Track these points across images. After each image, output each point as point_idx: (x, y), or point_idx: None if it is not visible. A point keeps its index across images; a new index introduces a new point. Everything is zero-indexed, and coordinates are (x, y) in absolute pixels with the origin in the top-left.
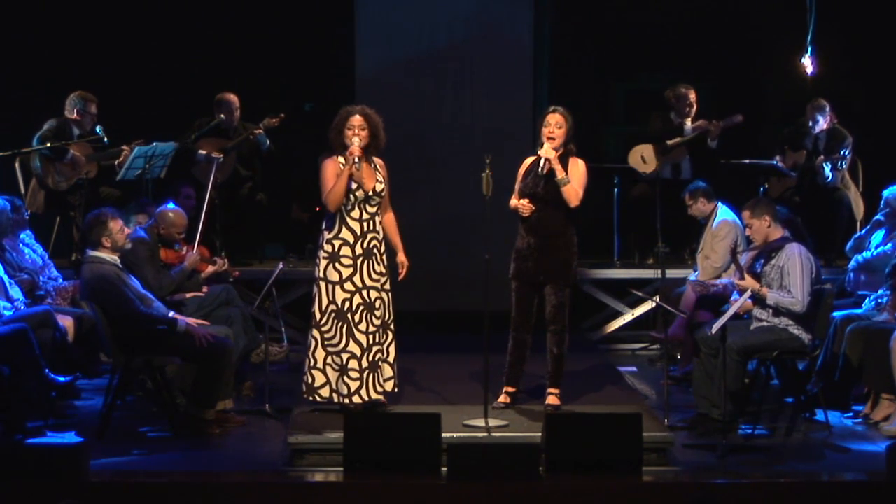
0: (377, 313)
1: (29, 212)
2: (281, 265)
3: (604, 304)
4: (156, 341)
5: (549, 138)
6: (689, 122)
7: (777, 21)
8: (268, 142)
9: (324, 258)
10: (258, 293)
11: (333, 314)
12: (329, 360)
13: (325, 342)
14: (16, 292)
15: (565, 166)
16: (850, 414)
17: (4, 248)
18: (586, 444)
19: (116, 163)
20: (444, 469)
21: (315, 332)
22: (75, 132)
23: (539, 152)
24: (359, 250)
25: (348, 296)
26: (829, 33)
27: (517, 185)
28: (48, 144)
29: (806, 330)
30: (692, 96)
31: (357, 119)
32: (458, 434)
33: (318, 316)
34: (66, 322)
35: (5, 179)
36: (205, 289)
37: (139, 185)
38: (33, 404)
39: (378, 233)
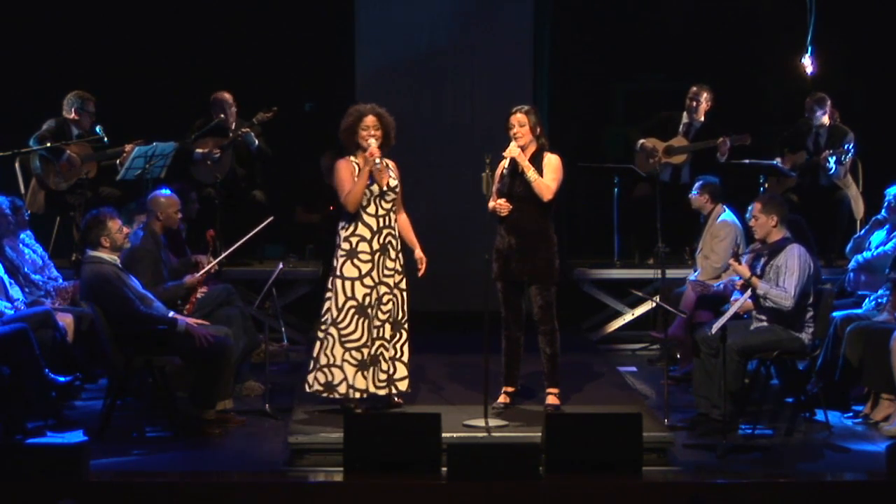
0: (384, 308)
1: (29, 212)
2: (281, 265)
3: (604, 304)
4: (156, 341)
5: (514, 138)
6: (701, 118)
7: (777, 21)
8: (255, 142)
9: (341, 256)
10: (258, 293)
11: (353, 310)
12: (347, 356)
13: (344, 338)
14: (16, 292)
15: (539, 162)
16: (850, 414)
17: (4, 248)
18: (586, 444)
19: (118, 161)
20: (444, 469)
21: (332, 330)
22: (74, 132)
23: (504, 153)
24: (375, 245)
25: (368, 291)
26: (829, 33)
27: (494, 187)
28: (48, 144)
29: (797, 331)
30: (702, 95)
31: (371, 119)
32: (458, 434)
33: (335, 313)
34: (66, 322)
35: (5, 179)
36: (204, 288)
37: (139, 185)
38: (33, 404)
39: (393, 229)
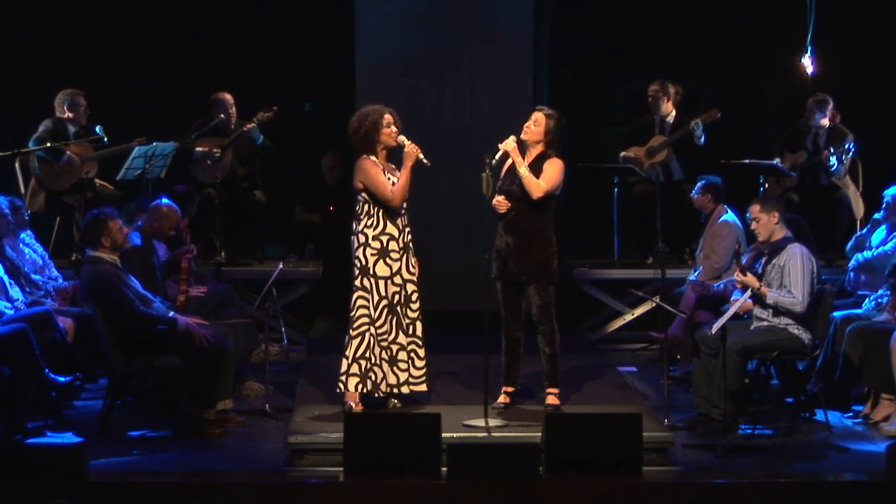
0: (413, 306)
1: (29, 212)
2: (281, 265)
3: (604, 304)
4: (156, 341)
5: (524, 131)
6: (670, 117)
7: (777, 21)
8: (261, 137)
9: (372, 255)
10: (258, 293)
11: (386, 309)
12: (383, 354)
13: (380, 337)
14: (16, 292)
15: (541, 164)
16: (850, 414)
17: (4, 248)
18: (586, 444)
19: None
20: (444, 469)
21: (372, 329)
22: (71, 130)
23: (499, 144)
24: (401, 244)
25: (397, 289)
26: (829, 33)
27: (498, 184)
28: (48, 144)
29: (806, 329)
30: (661, 92)
31: (390, 117)
32: (458, 434)
33: (373, 312)
34: (66, 322)
35: (5, 179)
36: (203, 288)
37: (139, 185)
38: (33, 404)
39: (411, 227)
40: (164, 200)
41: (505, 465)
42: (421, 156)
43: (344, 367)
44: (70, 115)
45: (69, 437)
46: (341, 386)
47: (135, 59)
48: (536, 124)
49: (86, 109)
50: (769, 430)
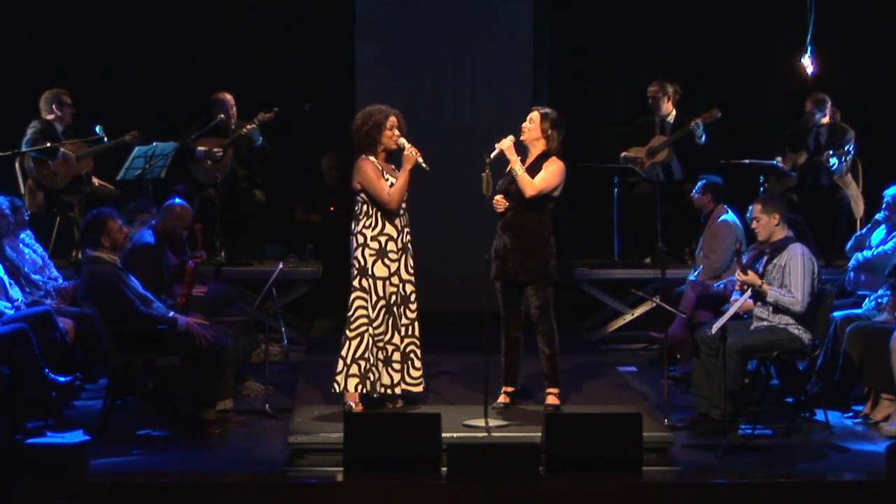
0: (412, 307)
1: (29, 212)
2: (281, 265)
3: (604, 304)
4: (156, 341)
5: (521, 130)
6: (670, 118)
7: (777, 21)
8: (260, 138)
9: (370, 255)
10: (258, 293)
11: (384, 310)
12: (380, 354)
13: (376, 338)
14: (16, 292)
15: (541, 166)
16: (850, 414)
17: (4, 248)
18: (586, 444)
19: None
20: (444, 469)
21: (370, 330)
22: (59, 129)
23: (496, 143)
24: (400, 244)
25: (395, 289)
26: (829, 33)
27: (498, 184)
28: (48, 145)
29: (806, 329)
30: (661, 91)
31: (395, 120)
32: (458, 434)
33: (371, 313)
34: (66, 322)
35: (5, 179)
36: (203, 288)
37: (139, 185)
38: (33, 404)
39: (410, 227)
40: (178, 200)
41: (505, 465)
42: (420, 160)
43: (339, 367)
44: (58, 113)
45: (78, 435)
46: (336, 386)
47: (135, 58)
48: (531, 122)
49: (71, 108)
50: (769, 430)
